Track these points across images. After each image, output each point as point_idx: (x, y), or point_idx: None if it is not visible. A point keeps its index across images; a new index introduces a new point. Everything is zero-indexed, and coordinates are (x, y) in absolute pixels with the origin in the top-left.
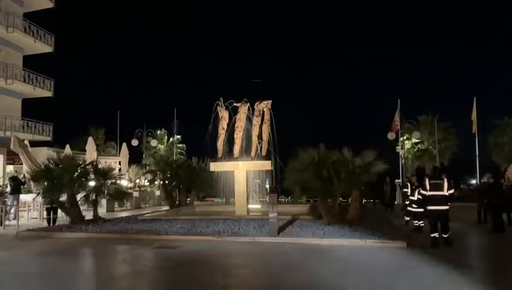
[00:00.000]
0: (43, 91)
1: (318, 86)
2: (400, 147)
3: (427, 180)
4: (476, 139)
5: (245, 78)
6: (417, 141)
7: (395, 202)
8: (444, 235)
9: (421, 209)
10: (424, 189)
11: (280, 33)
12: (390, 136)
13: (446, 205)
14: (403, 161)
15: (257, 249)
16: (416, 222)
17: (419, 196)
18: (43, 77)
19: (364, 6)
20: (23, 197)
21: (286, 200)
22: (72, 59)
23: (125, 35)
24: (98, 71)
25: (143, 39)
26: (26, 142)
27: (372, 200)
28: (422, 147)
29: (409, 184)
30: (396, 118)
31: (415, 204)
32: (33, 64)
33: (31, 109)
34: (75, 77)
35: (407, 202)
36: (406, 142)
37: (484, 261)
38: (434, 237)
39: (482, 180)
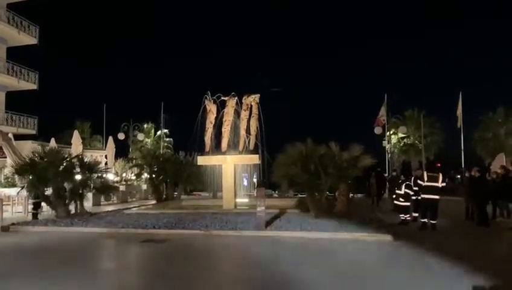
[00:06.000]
0: (28, 84)
1: (305, 79)
2: (386, 142)
3: (425, 172)
4: (462, 134)
5: (232, 70)
6: (403, 135)
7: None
8: (432, 222)
9: (408, 203)
10: (422, 180)
11: (267, 26)
12: (377, 130)
13: (438, 195)
14: (389, 155)
15: (244, 242)
16: (403, 215)
17: (406, 190)
18: (28, 70)
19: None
20: (7, 190)
21: (274, 193)
22: (57, 52)
23: (111, 26)
24: (83, 64)
25: (130, 30)
26: (10, 135)
27: (359, 194)
28: (408, 142)
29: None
30: (383, 112)
31: (402, 198)
32: (17, 56)
33: (16, 102)
34: (60, 69)
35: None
36: (393, 136)
37: (467, 255)
38: (424, 222)
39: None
